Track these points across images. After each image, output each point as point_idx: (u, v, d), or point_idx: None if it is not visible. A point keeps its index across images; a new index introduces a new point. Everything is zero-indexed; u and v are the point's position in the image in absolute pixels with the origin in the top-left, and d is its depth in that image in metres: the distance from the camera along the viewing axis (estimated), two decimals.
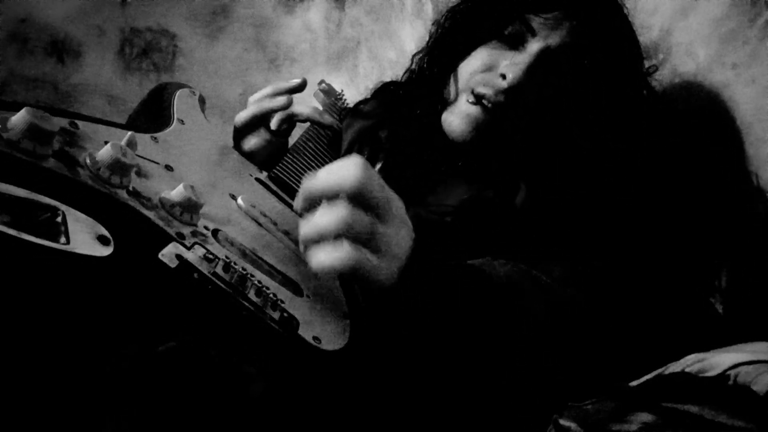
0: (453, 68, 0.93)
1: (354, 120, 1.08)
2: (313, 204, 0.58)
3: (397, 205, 0.61)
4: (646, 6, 1.18)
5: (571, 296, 0.73)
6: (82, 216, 0.48)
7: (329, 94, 1.14)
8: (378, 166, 0.98)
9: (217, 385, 0.46)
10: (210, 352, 0.46)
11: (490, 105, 0.85)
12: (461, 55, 0.92)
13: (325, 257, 0.55)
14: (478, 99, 0.86)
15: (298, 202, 0.60)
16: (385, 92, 1.12)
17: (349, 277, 0.57)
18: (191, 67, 1.95)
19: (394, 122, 1.01)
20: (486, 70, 0.88)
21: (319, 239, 0.56)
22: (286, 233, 0.71)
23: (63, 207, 0.48)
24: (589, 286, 0.76)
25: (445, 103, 0.92)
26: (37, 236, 0.43)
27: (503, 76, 0.84)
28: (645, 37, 1.16)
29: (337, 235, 0.55)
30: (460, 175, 0.91)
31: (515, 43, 0.87)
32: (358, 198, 0.56)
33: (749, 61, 0.90)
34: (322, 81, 1.12)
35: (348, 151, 1.02)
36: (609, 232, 0.83)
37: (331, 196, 0.56)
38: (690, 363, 0.53)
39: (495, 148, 0.89)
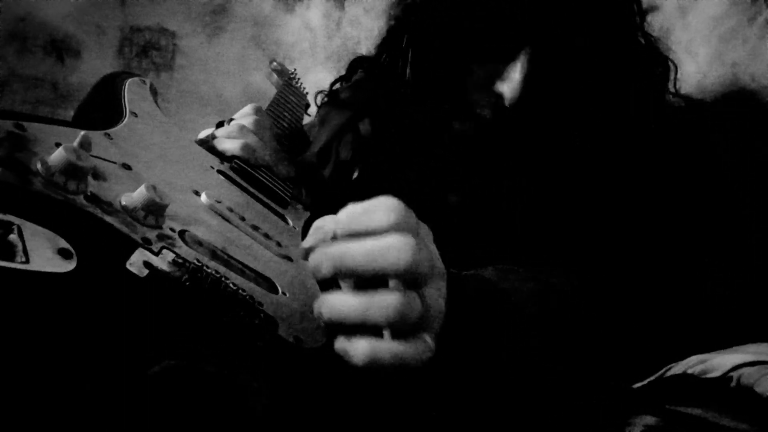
0: (442, 75, 0.88)
1: (331, 111, 1.02)
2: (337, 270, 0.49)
3: (433, 254, 0.53)
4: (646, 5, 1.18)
5: (587, 308, 0.72)
6: (40, 229, 0.44)
7: (282, 73, 1.13)
8: (356, 172, 0.93)
9: (218, 404, 0.43)
10: (207, 369, 0.43)
11: (494, 118, 0.83)
12: (448, 66, 0.87)
13: (370, 351, 0.46)
14: (482, 119, 0.84)
15: (307, 244, 0.52)
16: (357, 70, 1.05)
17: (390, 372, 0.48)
18: (191, 66, 1.95)
19: (376, 115, 0.95)
20: (482, 88, 0.84)
21: (360, 325, 0.47)
22: (255, 228, 0.68)
23: (17, 221, 0.44)
24: (599, 291, 0.75)
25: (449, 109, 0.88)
26: None
27: (502, 95, 0.82)
28: None
29: (385, 325, 0.46)
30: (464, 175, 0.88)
31: (506, 58, 0.83)
32: (409, 280, 0.47)
33: (749, 60, 0.90)
34: (273, 60, 1.10)
35: (326, 150, 0.97)
36: (614, 233, 0.82)
37: (376, 275, 0.47)
38: (692, 364, 0.52)
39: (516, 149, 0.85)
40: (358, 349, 0.47)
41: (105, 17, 1.89)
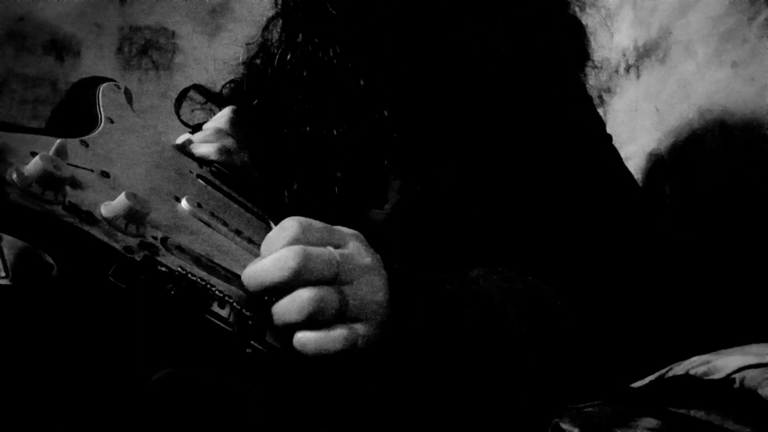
0: None
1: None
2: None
3: (355, 250, 0.56)
4: (646, 4, 1.18)
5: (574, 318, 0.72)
6: (19, 243, 0.44)
7: None
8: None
9: (218, 410, 0.43)
10: (205, 376, 0.43)
11: None
12: None
13: (312, 345, 0.51)
14: None
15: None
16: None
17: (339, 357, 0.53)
18: (190, 65, 1.95)
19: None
20: None
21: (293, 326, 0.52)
22: (238, 232, 0.67)
23: None
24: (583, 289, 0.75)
25: None
26: None
27: None
28: (644, 36, 1.17)
29: (311, 322, 0.51)
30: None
31: None
32: (308, 278, 0.51)
33: (748, 60, 0.90)
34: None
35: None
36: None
37: (282, 288, 0.52)
38: (695, 365, 0.52)
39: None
40: (297, 340, 0.52)
41: (104, 16, 1.89)
